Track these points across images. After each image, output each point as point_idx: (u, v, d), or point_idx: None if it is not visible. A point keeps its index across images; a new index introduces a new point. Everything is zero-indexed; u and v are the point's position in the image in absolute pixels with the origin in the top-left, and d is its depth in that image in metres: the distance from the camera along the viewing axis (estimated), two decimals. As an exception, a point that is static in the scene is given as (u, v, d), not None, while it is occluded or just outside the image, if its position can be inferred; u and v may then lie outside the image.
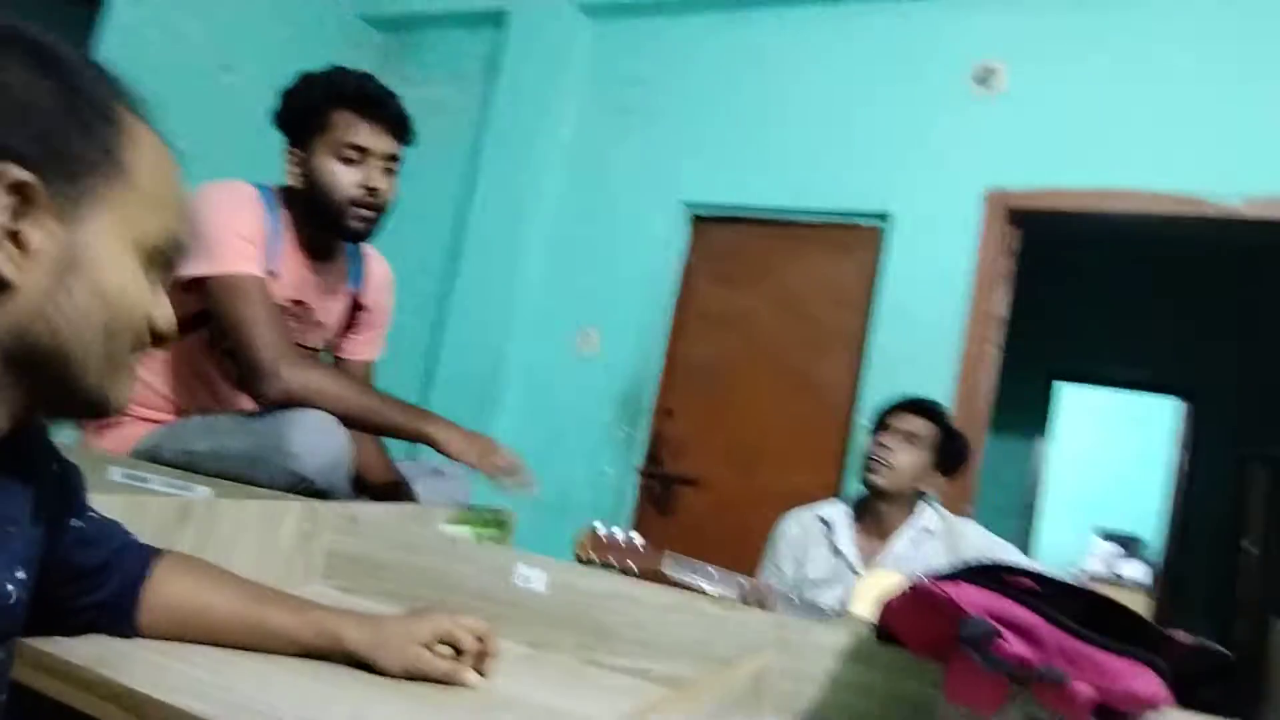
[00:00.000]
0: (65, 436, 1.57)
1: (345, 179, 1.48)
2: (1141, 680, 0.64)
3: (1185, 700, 0.70)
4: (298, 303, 1.59)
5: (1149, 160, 2.64)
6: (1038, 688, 0.66)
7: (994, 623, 0.67)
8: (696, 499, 3.17)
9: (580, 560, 1.59)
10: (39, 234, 0.55)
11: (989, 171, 2.84)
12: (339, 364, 1.75)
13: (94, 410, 0.62)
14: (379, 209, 1.53)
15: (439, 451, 1.45)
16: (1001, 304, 2.86)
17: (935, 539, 2.00)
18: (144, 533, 0.84)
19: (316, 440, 1.31)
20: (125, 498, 0.89)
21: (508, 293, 3.43)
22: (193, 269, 1.41)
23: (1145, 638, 0.70)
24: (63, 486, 0.72)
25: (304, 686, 0.75)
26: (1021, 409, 5.10)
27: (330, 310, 1.67)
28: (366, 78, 1.53)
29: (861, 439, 2.15)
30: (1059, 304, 5.03)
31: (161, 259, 0.63)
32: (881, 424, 2.05)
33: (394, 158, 1.53)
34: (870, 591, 1.76)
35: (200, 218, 1.42)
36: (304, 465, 1.30)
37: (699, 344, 3.26)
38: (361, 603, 1.10)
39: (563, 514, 3.17)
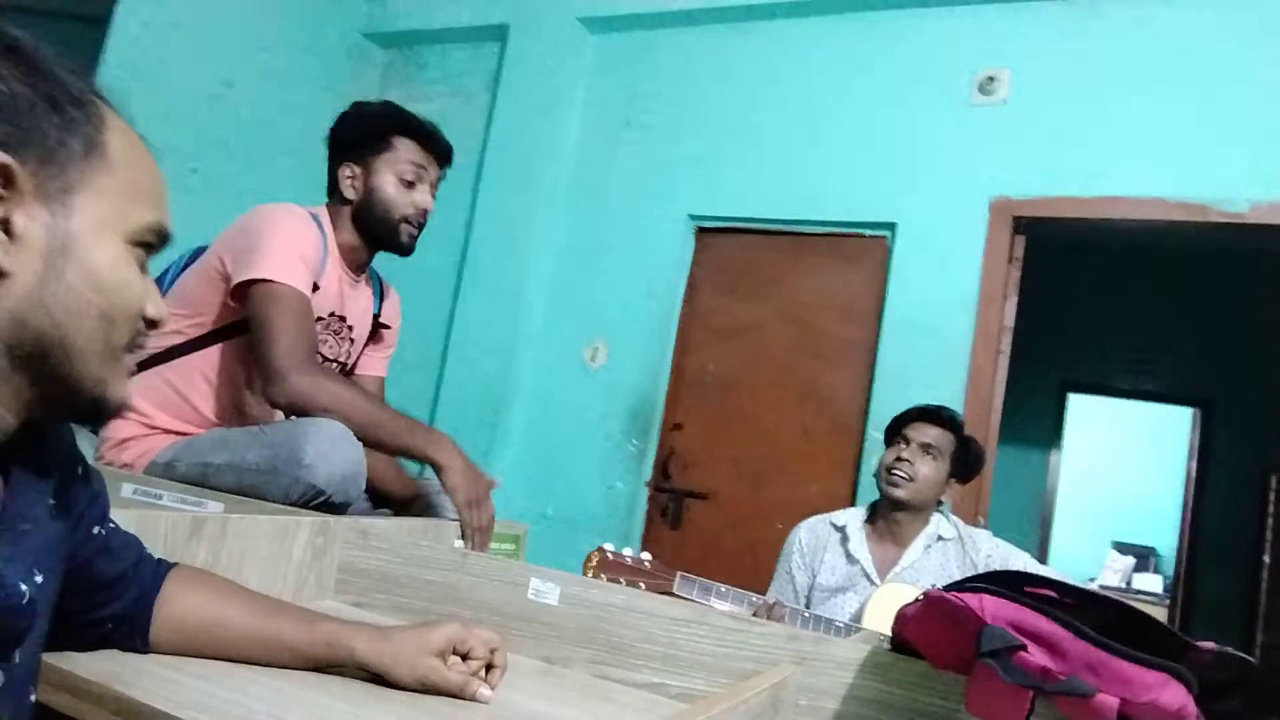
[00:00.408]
0: (83, 453, 1.57)
1: (403, 198, 1.64)
2: (1168, 692, 0.62)
3: (1208, 710, 0.68)
4: (338, 316, 1.67)
5: (1154, 167, 2.63)
6: (1061, 700, 0.65)
7: (1015, 634, 0.66)
8: (707, 513, 3.15)
9: (589, 581, 1.58)
10: (27, 221, 0.56)
11: (994, 180, 2.83)
12: (352, 378, 1.77)
13: (94, 407, 0.62)
14: (423, 226, 1.69)
15: (437, 475, 1.46)
16: (1010, 313, 2.85)
17: (950, 547, 1.99)
18: (156, 548, 0.84)
19: (331, 451, 1.32)
20: (137, 513, 0.89)
21: (514, 308, 3.43)
22: (248, 274, 1.46)
23: (1168, 647, 0.69)
24: (88, 491, 0.72)
25: (316, 700, 0.74)
26: (1033, 420, 5.08)
27: (361, 326, 1.75)
28: (417, 116, 1.70)
29: (873, 451, 2.14)
30: (1070, 314, 5.01)
31: (146, 246, 0.63)
32: (898, 435, 2.04)
33: (438, 182, 1.71)
34: (886, 605, 1.75)
35: (260, 232, 1.50)
36: (317, 475, 1.30)
37: (706, 357, 3.25)
38: (374, 617, 1.09)
39: (573, 529, 3.17)
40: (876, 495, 2.09)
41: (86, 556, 0.71)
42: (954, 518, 2.09)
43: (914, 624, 0.82)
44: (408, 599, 1.12)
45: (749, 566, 2.76)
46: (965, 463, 2.06)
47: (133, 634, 0.77)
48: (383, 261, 1.78)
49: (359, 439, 1.39)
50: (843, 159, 3.06)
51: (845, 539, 2.05)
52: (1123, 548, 6.21)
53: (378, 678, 0.80)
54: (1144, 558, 6.14)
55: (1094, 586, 5.82)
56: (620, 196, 3.43)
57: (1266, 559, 4.16)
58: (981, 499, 2.74)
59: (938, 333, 2.82)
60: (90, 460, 1.49)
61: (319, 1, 3.73)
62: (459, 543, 1.42)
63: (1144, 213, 2.64)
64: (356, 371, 1.80)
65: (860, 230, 3.05)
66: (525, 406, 3.42)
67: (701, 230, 3.34)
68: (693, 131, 3.33)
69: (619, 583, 1.62)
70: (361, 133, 1.65)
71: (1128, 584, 5.94)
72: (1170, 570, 5.70)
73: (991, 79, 2.89)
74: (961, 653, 0.73)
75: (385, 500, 1.70)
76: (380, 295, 1.82)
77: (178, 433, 1.54)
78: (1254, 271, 4.33)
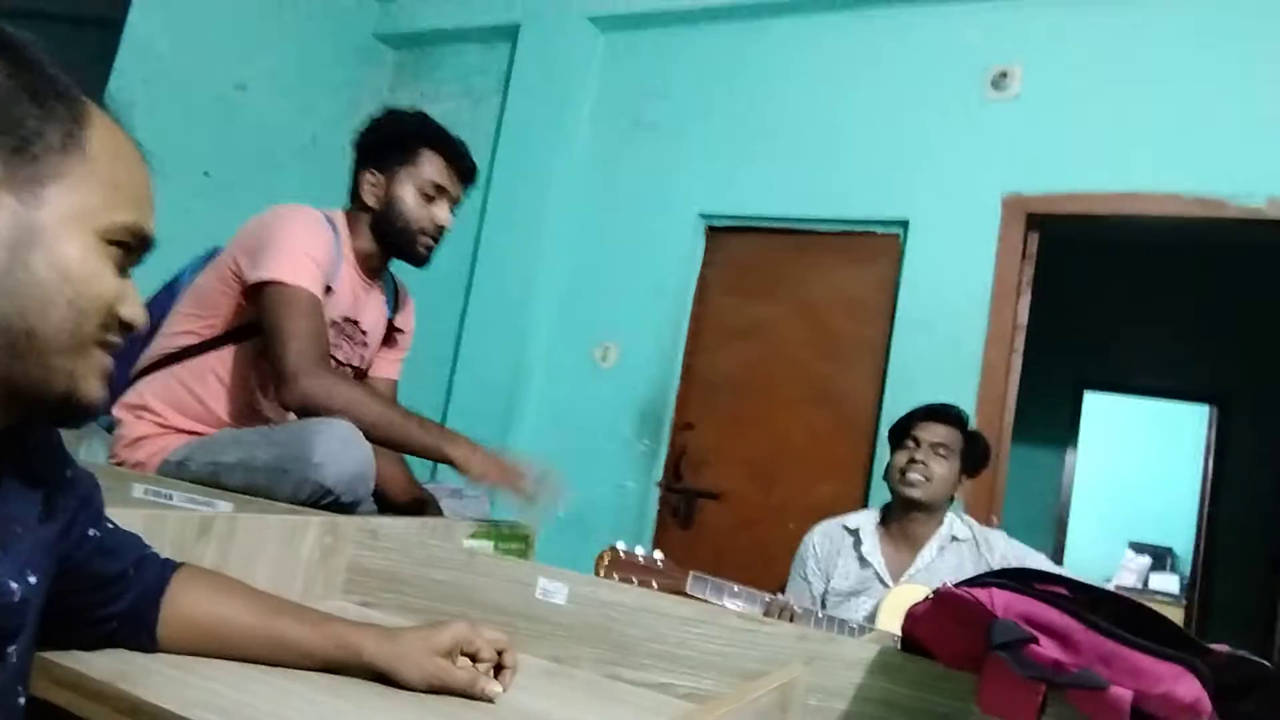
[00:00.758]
0: (97, 453, 1.59)
1: (423, 212, 1.65)
2: (1183, 684, 0.61)
3: (1223, 712, 0.67)
4: (351, 321, 1.68)
5: (1168, 162, 2.60)
6: (1074, 693, 0.64)
7: (1027, 627, 0.65)
8: (718, 513, 3.14)
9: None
10: None
11: (1006, 176, 2.81)
12: (365, 381, 1.78)
13: (64, 403, 0.61)
14: (439, 240, 1.70)
15: (459, 472, 1.46)
16: (1024, 311, 2.83)
17: (963, 547, 1.98)
18: (165, 548, 0.84)
19: (340, 450, 1.32)
20: (146, 512, 0.89)
21: (525, 308, 3.43)
22: (260, 275, 1.47)
23: (1182, 646, 0.68)
24: (77, 493, 0.72)
25: (324, 700, 0.74)
26: (1048, 418, 5.03)
27: (375, 331, 1.76)
28: (448, 131, 1.70)
29: (885, 450, 2.13)
30: (1085, 311, 4.97)
31: (125, 247, 0.63)
32: (907, 436, 2.03)
33: (459, 200, 1.72)
34: (899, 606, 1.74)
35: (273, 233, 1.51)
36: (326, 475, 1.30)
37: (718, 356, 3.24)
38: (382, 617, 1.09)
39: (584, 530, 3.16)
40: (888, 495, 2.08)
41: (82, 558, 0.72)
42: (968, 518, 2.08)
43: (924, 622, 0.81)
44: (416, 599, 1.12)
45: (760, 566, 2.75)
46: (974, 457, 2.06)
47: (139, 632, 0.77)
48: (394, 263, 1.79)
49: (372, 440, 1.40)
50: (854, 156, 3.05)
51: (858, 542, 2.04)
52: (1139, 547, 6.16)
53: (385, 678, 0.80)
54: (1160, 557, 6.08)
55: (1110, 587, 5.78)
56: (631, 195, 3.42)
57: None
58: (995, 498, 2.72)
59: (950, 331, 2.80)
60: (105, 459, 1.51)
61: (330, 3, 3.74)
62: (468, 542, 1.42)
63: (1160, 208, 2.61)
64: (370, 373, 1.81)
65: (872, 228, 3.04)
66: (536, 406, 3.42)
67: (712, 229, 3.33)
68: (703, 130, 3.33)
69: (631, 581, 1.61)
70: (389, 141, 1.65)
71: (1144, 584, 5.89)
72: (1187, 570, 5.64)
73: (1004, 74, 2.87)
74: (972, 649, 0.72)
75: (390, 506, 1.70)
76: (395, 299, 1.82)
77: (191, 432, 1.55)
78: (1272, 267, 4.28)
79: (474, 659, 0.83)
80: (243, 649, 0.80)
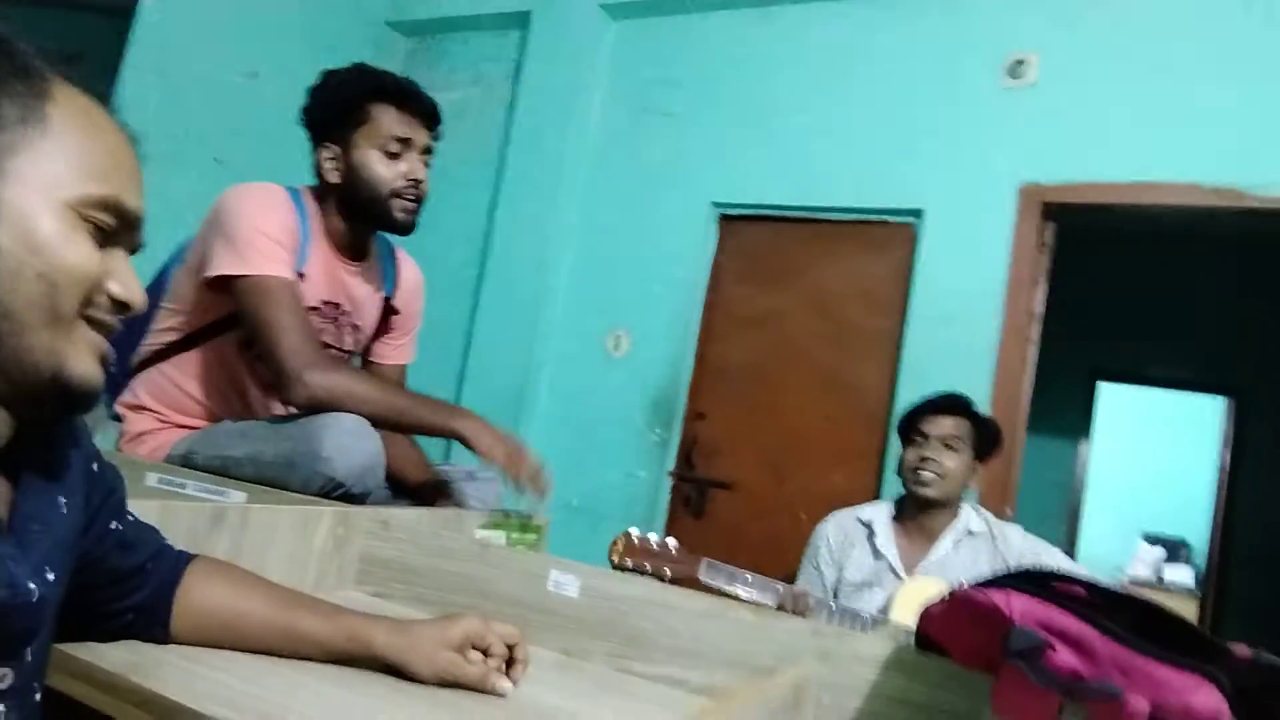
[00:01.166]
0: (110, 443, 1.59)
1: (390, 171, 1.50)
2: (1201, 694, 0.61)
3: (1242, 715, 0.66)
4: (331, 304, 1.59)
5: (1186, 151, 2.57)
6: (1091, 703, 0.63)
7: (1044, 633, 0.64)
8: (730, 502, 3.14)
9: (614, 565, 1.58)
10: None
11: (1023, 165, 2.78)
12: (370, 368, 1.76)
13: (55, 385, 0.59)
14: (420, 199, 1.54)
15: (467, 447, 1.42)
16: (1040, 300, 2.81)
17: (978, 542, 1.97)
18: (177, 538, 0.84)
19: (349, 443, 1.32)
20: (160, 503, 0.89)
21: (537, 296, 3.42)
22: (220, 268, 1.41)
23: (1201, 650, 0.67)
24: (103, 488, 0.72)
25: (335, 693, 0.74)
26: (1062, 409, 5.00)
27: (365, 313, 1.67)
28: (394, 74, 1.55)
29: (898, 440, 2.12)
30: (1100, 301, 4.93)
31: (102, 222, 0.61)
32: (917, 431, 2.01)
33: (429, 149, 1.56)
34: (913, 599, 1.73)
35: (229, 218, 1.43)
36: (336, 468, 1.30)
37: (730, 345, 3.23)
38: (394, 608, 1.09)
39: (595, 518, 3.16)
40: (901, 487, 2.07)
41: (102, 553, 0.72)
42: (984, 511, 2.06)
43: (939, 622, 0.80)
44: (428, 590, 1.12)
45: (773, 557, 2.74)
46: (985, 443, 2.04)
47: (153, 625, 0.78)
48: (405, 244, 1.72)
49: (380, 426, 1.39)
50: (868, 144, 3.02)
51: (872, 534, 2.03)
52: (1153, 539, 6.13)
53: (396, 671, 0.80)
54: (1175, 549, 6.05)
55: (1124, 578, 5.76)
56: (643, 184, 3.41)
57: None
58: (1010, 489, 2.70)
59: (965, 321, 2.78)
60: (110, 452, 1.51)
61: (342, -10, 3.74)
62: (480, 533, 1.42)
63: (1177, 198, 2.58)
64: (376, 361, 1.76)
65: (886, 217, 3.01)
66: (548, 395, 3.42)
67: (725, 218, 3.31)
68: (715, 118, 3.30)
69: (645, 567, 1.61)
70: (335, 107, 1.50)
71: (1158, 576, 5.86)
72: (1202, 562, 5.61)
73: (1021, 62, 2.83)
74: (988, 652, 0.71)
75: (405, 488, 1.68)
76: (393, 279, 1.72)
77: (189, 427, 1.54)
78: (1289, 257, 4.24)
79: (485, 653, 0.82)
80: (255, 641, 0.80)
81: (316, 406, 1.38)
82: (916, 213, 2.94)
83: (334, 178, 1.52)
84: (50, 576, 0.61)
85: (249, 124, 3.37)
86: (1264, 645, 0.71)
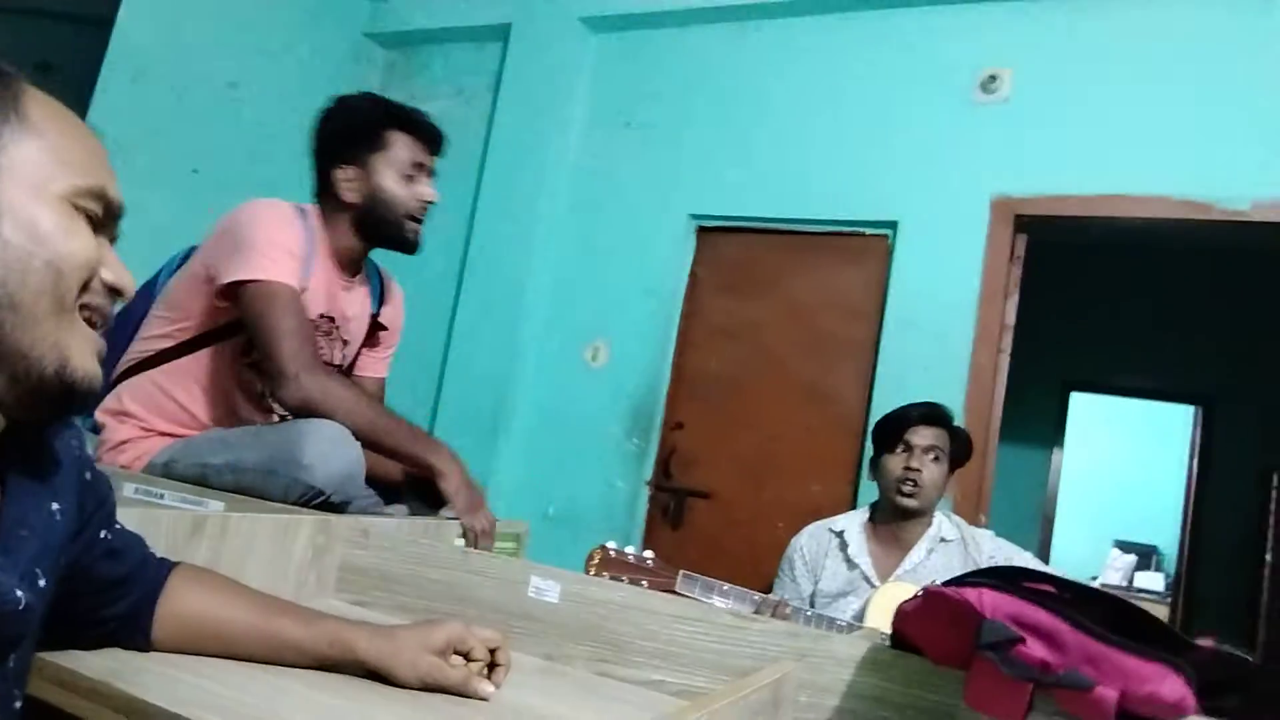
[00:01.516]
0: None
1: (406, 194, 1.60)
2: (1167, 684, 0.62)
3: (1207, 708, 0.68)
4: (327, 318, 1.63)
5: (1155, 165, 2.62)
6: (1061, 693, 0.65)
7: (1015, 627, 0.66)
8: (708, 512, 3.15)
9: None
10: None
11: (995, 178, 2.83)
12: (353, 379, 1.76)
13: (59, 381, 0.60)
14: (422, 219, 1.66)
15: (436, 482, 1.47)
16: (1012, 312, 2.85)
17: (951, 548, 1.99)
18: (158, 547, 0.84)
19: (329, 450, 1.32)
20: (138, 512, 0.89)
21: (515, 307, 3.43)
22: (234, 274, 1.44)
23: (1167, 644, 0.69)
24: (95, 496, 0.72)
25: (317, 698, 0.75)
26: (1035, 418, 5.06)
27: (355, 328, 1.72)
28: (403, 104, 1.66)
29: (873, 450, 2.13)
30: (1072, 312, 5.00)
31: (92, 212, 0.62)
32: (901, 441, 2.02)
33: (434, 171, 1.67)
34: (887, 603, 1.75)
35: (244, 229, 1.47)
36: (316, 476, 1.30)
37: (708, 356, 3.25)
38: (375, 616, 1.10)
39: (574, 528, 3.16)
40: (877, 494, 2.09)
41: (90, 561, 0.72)
42: (956, 518, 2.09)
43: (913, 620, 0.82)
44: (409, 598, 1.12)
45: (750, 566, 2.76)
46: (959, 453, 2.08)
47: (135, 632, 0.78)
48: (384, 260, 1.77)
49: (363, 442, 1.40)
50: (844, 158, 3.06)
51: (844, 545, 2.04)
52: (1125, 546, 6.21)
53: (379, 676, 0.80)
54: (1146, 556, 6.14)
55: (1096, 585, 5.82)
56: (621, 196, 3.43)
57: (1268, 557, 4.16)
58: (983, 497, 2.74)
59: (939, 331, 2.82)
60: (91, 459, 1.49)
61: (321, 2, 3.73)
62: (460, 541, 1.42)
63: (1146, 211, 2.64)
64: (356, 372, 1.78)
65: (861, 229, 3.05)
66: (526, 405, 3.42)
67: (702, 229, 3.34)
68: (694, 131, 3.33)
69: (621, 580, 1.62)
70: (354, 132, 1.59)
71: (1130, 582, 5.94)
72: (1172, 568, 5.69)
73: (993, 77, 2.88)
74: (961, 647, 0.73)
75: (393, 488, 1.67)
76: (381, 295, 1.78)
77: (173, 435, 1.54)
78: (1257, 269, 4.33)
79: (467, 658, 0.83)
80: (236, 647, 0.80)
81: (308, 408, 1.40)
82: (891, 225, 2.98)
83: (352, 198, 1.59)
84: (38, 584, 0.61)
85: (227, 135, 3.36)
86: (1231, 646, 0.73)
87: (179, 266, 1.64)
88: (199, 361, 1.55)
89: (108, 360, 1.59)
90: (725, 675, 0.94)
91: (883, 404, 2.77)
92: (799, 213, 3.12)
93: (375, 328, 1.77)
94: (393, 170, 1.58)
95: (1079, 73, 2.77)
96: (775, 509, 3.00)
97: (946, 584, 0.77)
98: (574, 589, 1.04)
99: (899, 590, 1.86)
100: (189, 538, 0.95)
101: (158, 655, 0.78)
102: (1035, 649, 0.66)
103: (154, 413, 1.55)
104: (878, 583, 1.97)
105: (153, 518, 0.90)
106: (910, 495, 1.97)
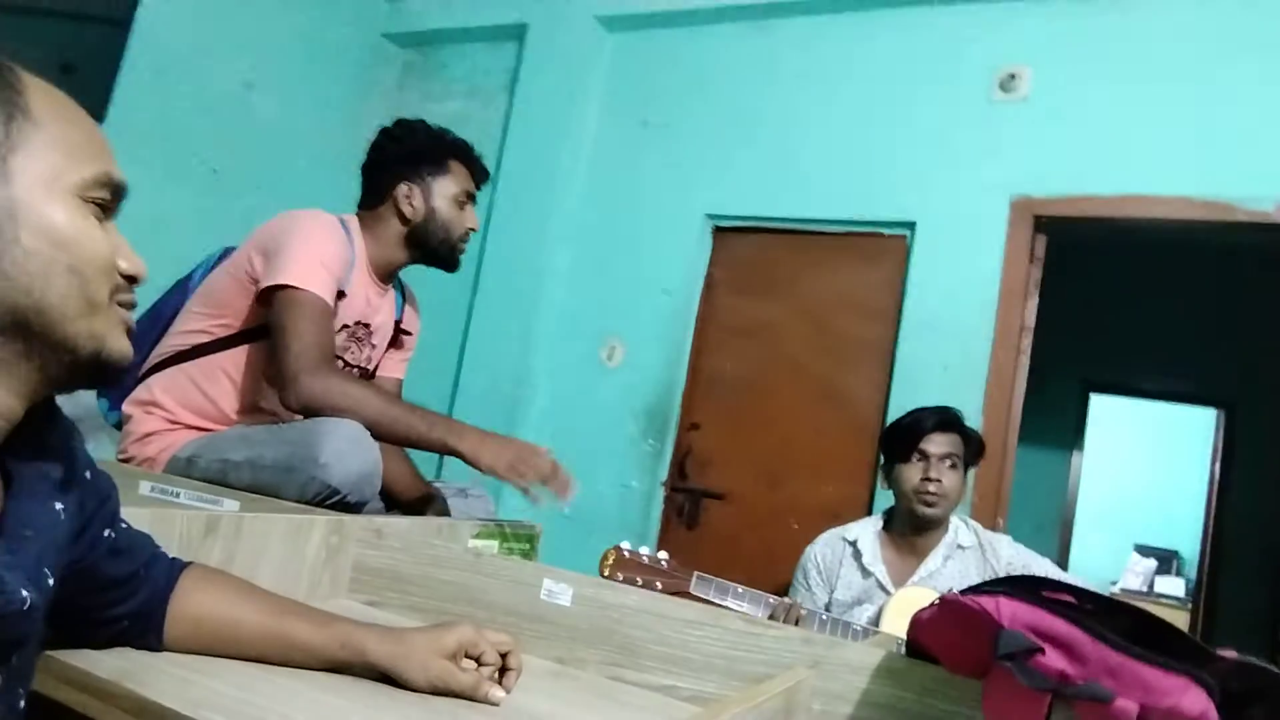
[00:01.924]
0: (105, 449, 1.60)
1: (460, 221, 1.73)
2: (1189, 697, 0.61)
3: (1229, 718, 0.67)
4: (363, 324, 1.70)
5: (1177, 165, 2.59)
6: (1080, 705, 0.64)
7: (1033, 637, 0.65)
8: (724, 513, 3.14)
9: (606, 579, 1.58)
10: None
11: (1015, 178, 2.80)
12: (373, 381, 1.80)
13: (95, 363, 0.61)
14: None
15: (467, 463, 1.44)
16: (1031, 313, 2.82)
17: (968, 554, 1.97)
18: (171, 546, 0.84)
19: (347, 450, 1.32)
20: (153, 511, 0.90)
21: (531, 307, 3.43)
22: (270, 280, 1.49)
23: (1189, 655, 0.68)
24: (96, 495, 0.72)
25: (328, 700, 0.74)
26: (1054, 421, 5.02)
27: (383, 333, 1.79)
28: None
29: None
30: (1092, 313, 4.95)
31: (102, 201, 0.62)
32: (916, 451, 1.99)
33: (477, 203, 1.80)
34: (904, 609, 1.73)
35: (289, 238, 1.52)
36: (333, 475, 1.31)
37: (724, 356, 3.24)
38: (387, 617, 1.10)
39: (589, 529, 3.16)
40: (889, 499, 2.07)
41: (94, 559, 0.72)
42: (973, 523, 2.06)
43: (929, 628, 0.81)
44: (421, 599, 1.12)
45: (766, 567, 2.75)
46: (974, 456, 2.06)
47: (147, 632, 0.78)
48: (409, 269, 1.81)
49: (378, 437, 1.40)
50: (861, 157, 3.04)
51: (858, 553, 2.02)
52: (1145, 550, 6.14)
53: (389, 678, 0.80)
54: (1166, 560, 6.07)
55: (1115, 589, 5.77)
56: (637, 196, 3.42)
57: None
58: (1001, 501, 2.71)
59: (957, 333, 2.79)
60: (114, 454, 1.51)
61: (338, 2, 3.75)
62: (473, 542, 1.42)
63: (1168, 212, 2.60)
64: (377, 374, 1.83)
65: (879, 229, 3.03)
66: (541, 405, 3.42)
67: (719, 229, 3.32)
68: (710, 131, 3.32)
69: (635, 582, 1.62)
70: (421, 153, 1.70)
71: (1149, 587, 5.87)
72: (1193, 573, 5.62)
73: (1013, 76, 2.86)
74: (978, 657, 0.71)
75: (397, 503, 1.70)
76: (402, 301, 1.85)
77: (199, 429, 1.56)
78: (1277, 270, 4.26)
79: (479, 662, 0.83)
80: (248, 648, 0.80)
81: (311, 408, 1.41)
82: (909, 225, 2.96)
83: (411, 214, 1.69)
84: (44, 583, 0.61)
85: (245, 134, 3.38)
86: (1255, 654, 0.71)
87: (215, 265, 1.70)
88: (235, 357, 1.59)
89: (136, 354, 1.63)
90: (738, 681, 0.93)
91: (899, 406, 2.74)
92: (816, 213, 3.10)
93: (399, 332, 1.84)
94: (449, 195, 1.71)
95: (1099, 71, 2.74)
96: (790, 510, 2.99)
97: (964, 592, 0.75)
98: (587, 592, 1.04)
99: (916, 595, 1.84)
100: (203, 537, 0.95)
101: (170, 656, 0.78)
102: (1054, 659, 0.64)
103: (184, 406, 1.57)
104: (893, 590, 1.95)
105: (167, 517, 0.91)
106: (932, 505, 1.94)
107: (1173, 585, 5.81)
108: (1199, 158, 2.57)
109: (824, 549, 2.08)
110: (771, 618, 1.65)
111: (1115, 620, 0.69)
